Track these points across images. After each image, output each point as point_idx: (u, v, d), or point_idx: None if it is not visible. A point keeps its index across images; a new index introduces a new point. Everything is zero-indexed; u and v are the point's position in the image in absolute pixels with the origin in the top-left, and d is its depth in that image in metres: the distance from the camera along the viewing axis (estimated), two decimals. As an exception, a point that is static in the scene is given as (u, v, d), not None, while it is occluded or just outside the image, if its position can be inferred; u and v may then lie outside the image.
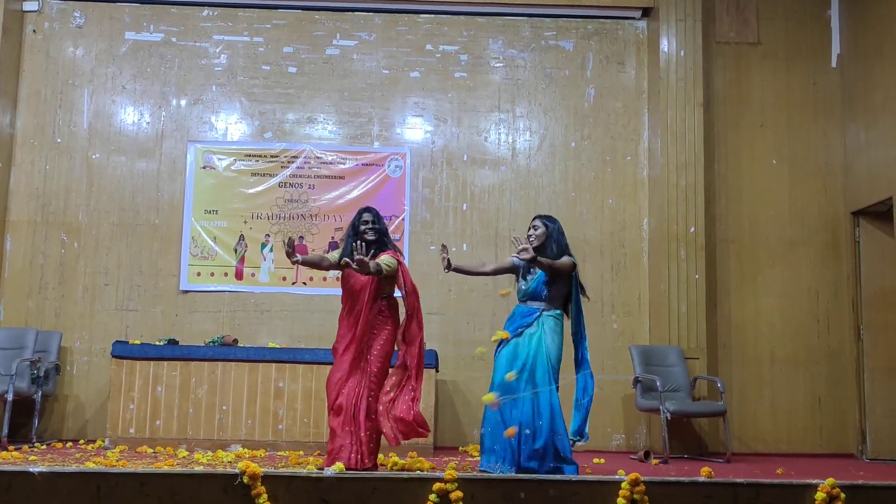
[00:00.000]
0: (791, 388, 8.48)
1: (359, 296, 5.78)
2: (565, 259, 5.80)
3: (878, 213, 8.30)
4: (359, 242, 5.56)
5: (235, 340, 7.99)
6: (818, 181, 8.76)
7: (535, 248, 5.77)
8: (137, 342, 7.80)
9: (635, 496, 4.37)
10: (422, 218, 8.72)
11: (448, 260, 5.88)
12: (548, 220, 5.97)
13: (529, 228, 5.97)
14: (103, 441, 7.58)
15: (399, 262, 5.80)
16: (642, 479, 4.39)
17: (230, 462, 6.39)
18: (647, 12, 8.92)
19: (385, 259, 5.70)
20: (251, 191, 8.66)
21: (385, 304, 5.84)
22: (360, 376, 5.69)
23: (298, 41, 8.90)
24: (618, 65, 8.96)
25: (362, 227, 5.87)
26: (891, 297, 8.09)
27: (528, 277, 5.91)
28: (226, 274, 8.54)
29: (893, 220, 7.78)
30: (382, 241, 5.88)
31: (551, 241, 5.86)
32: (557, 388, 5.82)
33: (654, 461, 7.17)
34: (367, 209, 6.00)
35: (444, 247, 5.96)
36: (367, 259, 5.48)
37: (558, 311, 5.86)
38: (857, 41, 8.52)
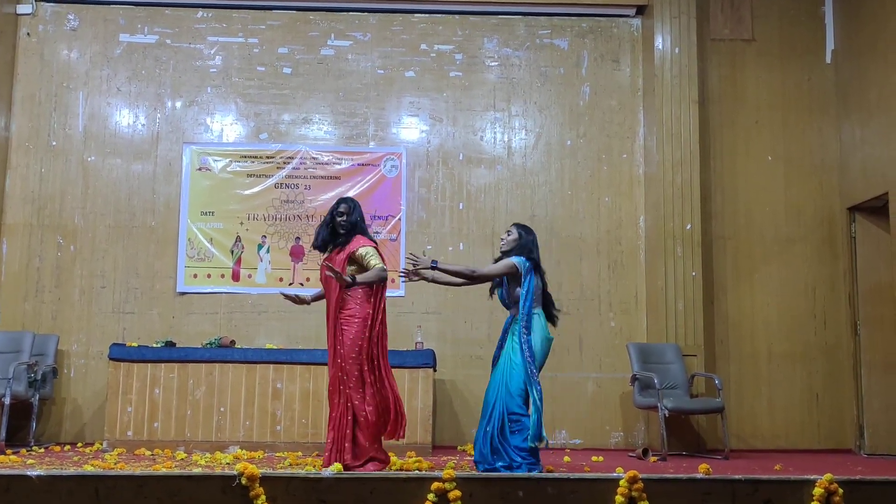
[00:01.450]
0: (788, 384, 8.50)
1: (328, 284, 5.82)
2: (501, 263, 5.83)
3: (874, 209, 8.31)
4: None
5: (233, 342, 7.99)
6: (813, 177, 8.77)
7: (503, 253, 5.95)
8: (135, 344, 7.80)
9: (634, 494, 4.38)
10: (418, 217, 8.72)
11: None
12: (523, 229, 6.02)
13: (504, 234, 6.07)
14: (101, 444, 7.57)
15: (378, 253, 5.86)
16: (640, 476, 4.40)
17: (228, 463, 6.38)
18: (641, 10, 8.92)
19: (373, 266, 5.73)
20: (247, 192, 8.65)
21: (359, 291, 5.76)
22: (338, 371, 5.71)
23: (293, 42, 8.89)
24: (613, 63, 8.97)
25: (338, 219, 5.88)
26: (887, 292, 8.10)
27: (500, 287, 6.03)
28: (222, 275, 8.54)
29: (889, 215, 7.80)
30: (353, 231, 5.87)
31: (519, 250, 5.90)
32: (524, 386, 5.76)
33: (653, 458, 7.18)
34: (344, 200, 6.02)
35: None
36: (344, 277, 5.67)
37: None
38: (852, 37, 8.53)
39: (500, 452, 5.57)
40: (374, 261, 5.76)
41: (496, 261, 6.00)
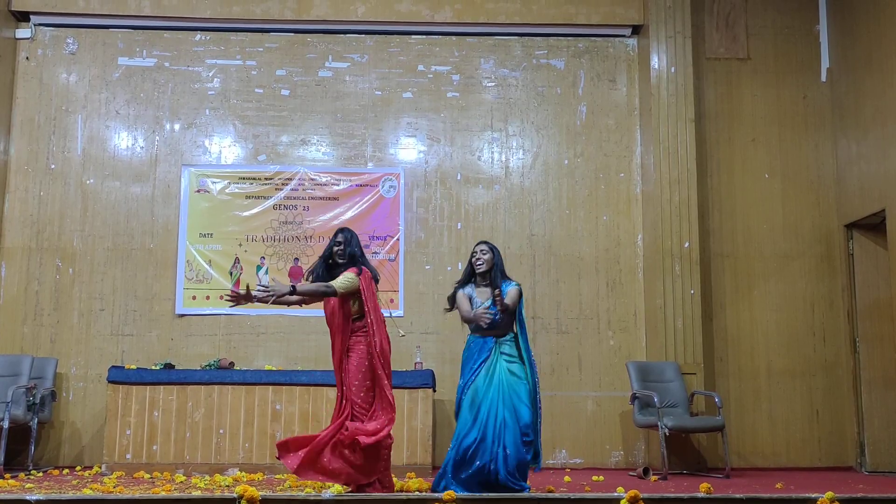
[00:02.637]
0: (788, 401, 8.49)
1: (332, 319, 5.75)
2: (516, 296, 5.86)
3: (871, 226, 8.34)
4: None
5: (232, 363, 7.98)
6: (811, 194, 8.80)
7: (484, 272, 5.90)
8: (133, 367, 7.78)
9: (634, 513, 4.37)
10: (416, 238, 8.74)
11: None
12: (494, 248, 6.03)
13: (477, 252, 5.96)
14: (100, 467, 7.54)
15: (360, 277, 5.70)
16: (641, 495, 4.39)
17: (228, 486, 6.35)
18: (637, 30, 8.99)
19: (339, 280, 5.64)
20: (246, 213, 8.67)
21: (359, 324, 5.72)
22: (343, 403, 5.65)
23: (291, 64, 8.94)
24: (609, 82, 9.01)
25: (335, 249, 5.82)
26: (885, 308, 8.11)
27: (480, 306, 5.90)
28: (221, 297, 8.52)
29: (886, 231, 7.81)
30: (351, 262, 5.79)
31: (496, 267, 5.93)
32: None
33: (654, 478, 7.16)
34: (342, 230, 5.94)
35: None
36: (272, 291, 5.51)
37: (511, 335, 5.91)
38: (846, 55, 8.58)
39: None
40: (339, 280, 5.63)
41: (469, 280, 5.97)
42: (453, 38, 9.02)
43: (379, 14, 8.85)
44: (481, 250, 5.98)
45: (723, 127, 8.85)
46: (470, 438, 5.54)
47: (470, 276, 6.01)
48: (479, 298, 5.90)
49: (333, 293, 5.59)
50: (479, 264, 5.92)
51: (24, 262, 8.53)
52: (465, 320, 5.90)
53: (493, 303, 5.74)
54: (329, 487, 5.37)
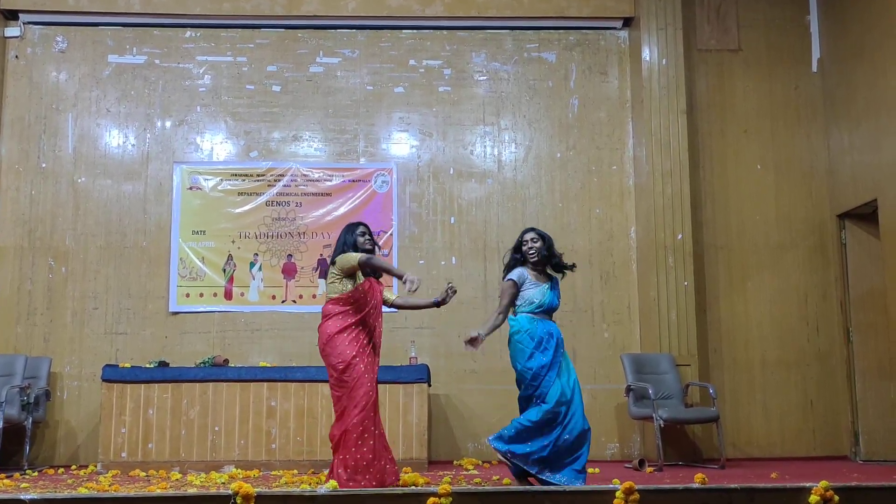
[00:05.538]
0: (783, 392, 8.51)
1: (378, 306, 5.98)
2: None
3: (864, 216, 8.35)
4: None
5: (226, 361, 7.96)
6: (803, 185, 8.81)
7: (539, 260, 5.82)
8: (127, 365, 7.76)
9: (630, 505, 4.37)
10: (410, 232, 8.73)
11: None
12: (541, 232, 5.97)
13: (528, 242, 5.88)
14: (95, 466, 7.53)
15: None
16: (637, 487, 4.39)
17: (224, 483, 6.35)
18: (628, 22, 8.98)
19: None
20: (238, 210, 8.65)
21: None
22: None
23: (282, 60, 8.91)
24: (600, 75, 9.01)
25: (363, 239, 5.97)
26: (878, 298, 8.13)
27: (543, 290, 5.84)
28: (215, 294, 8.52)
29: (879, 221, 7.83)
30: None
31: (551, 256, 5.88)
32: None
33: (649, 469, 7.17)
34: (363, 223, 6.12)
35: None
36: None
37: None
38: (837, 45, 8.59)
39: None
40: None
41: (520, 264, 5.91)
42: (444, 32, 9.01)
43: (370, 9, 8.83)
44: (531, 239, 5.86)
45: (715, 119, 8.86)
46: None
47: (518, 261, 5.89)
48: (534, 287, 5.79)
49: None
50: (532, 254, 5.82)
51: (16, 261, 8.50)
52: (501, 308, 5.82)
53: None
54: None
